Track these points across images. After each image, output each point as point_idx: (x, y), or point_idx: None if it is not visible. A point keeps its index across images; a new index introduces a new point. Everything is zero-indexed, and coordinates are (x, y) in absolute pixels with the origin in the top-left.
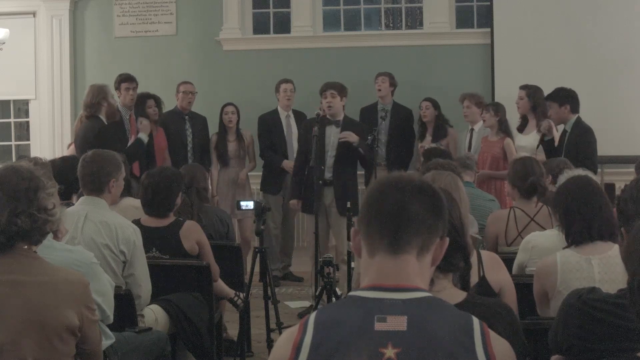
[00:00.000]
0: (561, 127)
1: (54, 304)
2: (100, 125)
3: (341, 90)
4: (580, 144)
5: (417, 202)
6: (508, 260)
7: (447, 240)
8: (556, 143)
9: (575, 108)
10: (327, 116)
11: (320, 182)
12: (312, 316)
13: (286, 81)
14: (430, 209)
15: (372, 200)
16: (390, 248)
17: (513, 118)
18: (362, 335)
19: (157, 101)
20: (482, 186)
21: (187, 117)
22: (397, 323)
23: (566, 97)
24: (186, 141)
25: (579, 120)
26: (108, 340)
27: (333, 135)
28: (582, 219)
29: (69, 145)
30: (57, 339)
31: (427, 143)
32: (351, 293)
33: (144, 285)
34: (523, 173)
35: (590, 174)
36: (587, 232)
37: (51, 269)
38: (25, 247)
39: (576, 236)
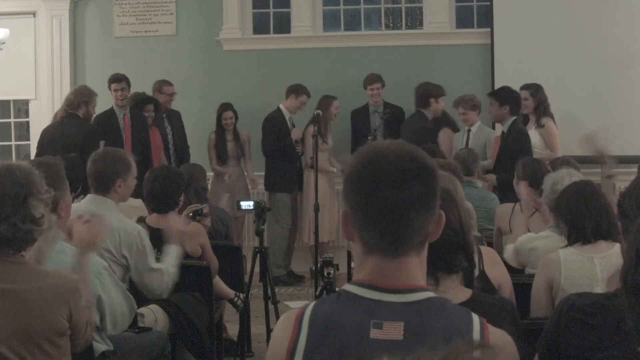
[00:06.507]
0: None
1: (42, 311)
2: (88, 128)
3: None
4: (516, 149)
5: (417, 199)
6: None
7: (443, 214)
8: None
9: (514, 111)
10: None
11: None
12: (307, 315)
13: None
14: (429, 195)
15: (363, 195)
16: (390, 252)
17: None
18: (357, 343)
19: (157, 105)
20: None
21: (164, 115)
22: (394, 331)
23: (508, 99)
24: (167, 139)
25: (515, 122)
26: (105, 346)
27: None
28: (591, 218)
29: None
30: (48, 344)
31: None
32: (347, 288)
33: (155, 283)
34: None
35: (580, 174)
36: (597, 231)
37: (38, 275)
38: (11, 252)
39: (586, 234)
